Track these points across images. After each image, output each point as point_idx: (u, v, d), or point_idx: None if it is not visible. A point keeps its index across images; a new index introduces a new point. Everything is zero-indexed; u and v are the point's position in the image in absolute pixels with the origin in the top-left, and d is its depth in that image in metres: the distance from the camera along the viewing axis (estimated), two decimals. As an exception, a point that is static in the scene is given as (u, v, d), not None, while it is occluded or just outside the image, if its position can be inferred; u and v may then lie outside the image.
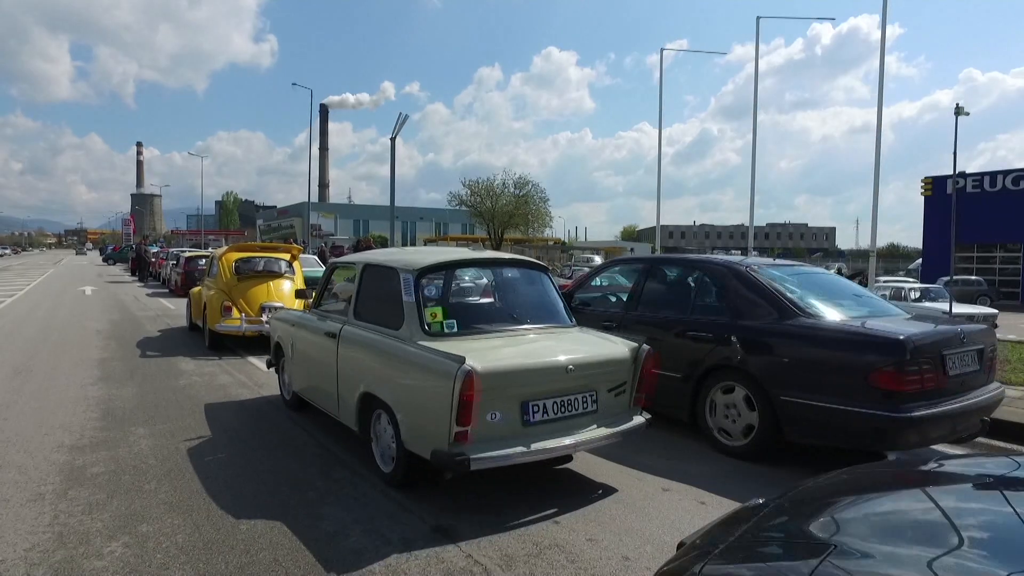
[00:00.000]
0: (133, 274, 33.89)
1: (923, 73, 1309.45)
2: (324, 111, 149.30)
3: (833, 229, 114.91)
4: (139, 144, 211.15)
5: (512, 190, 49.71)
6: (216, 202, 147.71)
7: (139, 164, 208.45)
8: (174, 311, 15.99)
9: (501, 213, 49.55)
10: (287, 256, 10.87)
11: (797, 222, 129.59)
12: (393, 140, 36.04)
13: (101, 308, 16.59)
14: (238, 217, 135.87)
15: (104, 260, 54.89)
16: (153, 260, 30.97)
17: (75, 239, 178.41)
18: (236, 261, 10.33)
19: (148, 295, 21.24)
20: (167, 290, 23.05)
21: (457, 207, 51.49)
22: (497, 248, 51.02)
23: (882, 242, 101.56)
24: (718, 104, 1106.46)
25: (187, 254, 21.56)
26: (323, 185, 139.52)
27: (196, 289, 11.96)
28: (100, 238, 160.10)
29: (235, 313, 9.57)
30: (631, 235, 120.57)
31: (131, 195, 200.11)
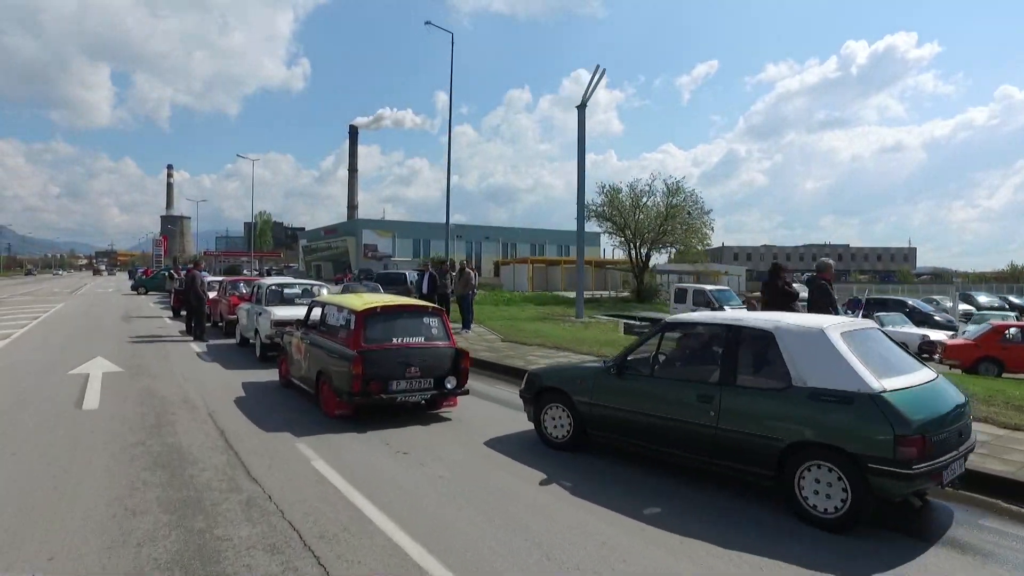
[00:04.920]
0: (176, 315, 20.34)
1: (961, 91, 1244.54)
2: (353, 132, 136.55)
3: (914, 250, 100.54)
4: (169, 167, 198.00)
5: (660, 198, 36.10)
6: (245, 224, 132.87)
7: (169, 186, 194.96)
8: None
9: (647, 227, 35.87)
10: None
11: (837, 243, 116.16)
12: (582, 108, 22.60)
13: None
14: (271, 238, 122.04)
15: (133, 288, 40.43)
16: (216, 295, 17.10)
17: (105, 260, 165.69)
18: None
19: (251, 421, 7.60)
20: (278, 376, 9.42)
21: (589, 219, 37.78)
22: (642, 275, 37.27)
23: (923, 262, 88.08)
24: (746, 124, 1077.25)
25: (366, 305, 7.79)
26: (352, 207, 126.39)
27: None
28: (130, 260, 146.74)
29: None
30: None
31: (160, 217, 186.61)
